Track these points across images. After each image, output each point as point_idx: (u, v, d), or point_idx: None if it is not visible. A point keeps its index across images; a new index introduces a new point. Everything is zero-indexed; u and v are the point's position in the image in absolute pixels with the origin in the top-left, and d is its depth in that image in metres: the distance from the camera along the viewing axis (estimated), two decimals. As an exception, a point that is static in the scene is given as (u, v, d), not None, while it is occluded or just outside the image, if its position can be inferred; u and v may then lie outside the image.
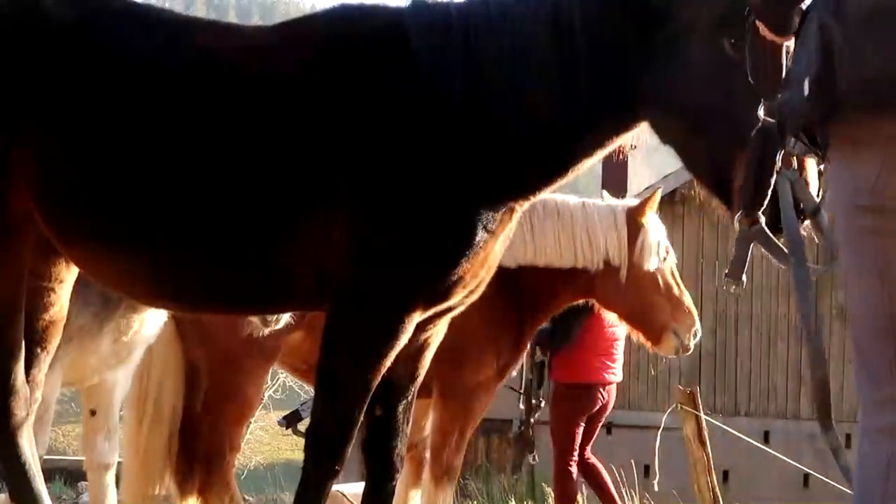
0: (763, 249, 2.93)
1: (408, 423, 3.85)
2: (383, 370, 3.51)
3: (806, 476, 12.65)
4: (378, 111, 3.42)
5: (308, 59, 3.49)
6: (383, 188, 3.39)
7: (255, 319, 4.46)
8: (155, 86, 3.47)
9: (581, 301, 6.09)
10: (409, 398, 3.80)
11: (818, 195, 2.84)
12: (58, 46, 3.50)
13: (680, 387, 6.82)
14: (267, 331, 4.54)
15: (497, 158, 3.41)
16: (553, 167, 3.50)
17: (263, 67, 3.50)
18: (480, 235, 3.41)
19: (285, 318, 4.38)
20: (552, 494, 8.68)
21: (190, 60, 3.52)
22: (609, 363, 6.88)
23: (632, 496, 8.32)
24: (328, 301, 3.50)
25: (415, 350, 3.67)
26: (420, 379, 3.83)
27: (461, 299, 3.64)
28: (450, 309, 3.68)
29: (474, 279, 3.56)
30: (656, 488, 5.82)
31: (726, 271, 3.11)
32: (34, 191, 3.49)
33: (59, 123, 3.47)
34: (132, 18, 3.60)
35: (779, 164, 2.73)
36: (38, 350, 3.74)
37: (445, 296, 3.53)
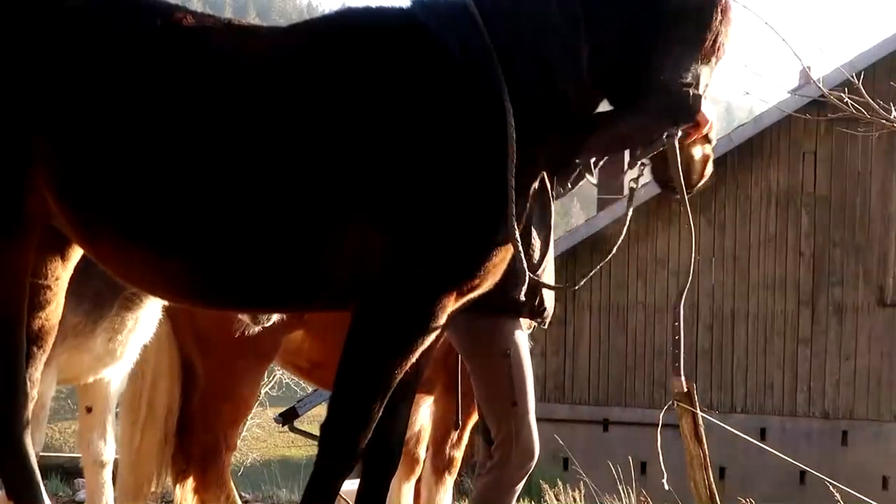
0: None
1: (407, 418, 3.85)
2: (409, 366, 3.52)
3: (802, 473, 12.67)
4: (417, 107, 3.42)
5: (338, 58, 3.47)
6: (426, 183, 3.38)
7: (245, 317, 4.44)
8: (189, 78, 3.42)
9: None
10: (411, 394, 3.79)
11: None
12: (77, 30, 3.44)
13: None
14: (257, 328, 4.53)
15: (527, 140, 3.43)
16: (567, 141, 3.59)
17: (295, 65, 3.47)
18: (516, 220, 3.43)
19: (276, 315, 4.37)
20: (549, 491, 8.70)
21: (223, 56, 3.46)
22: None
23: (628, 493, 8.32)
24: (359, 298, 3.48)
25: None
26: (422, 375, 3.84)
27: (487, 286, 3.67)
28: (473, 298, 3.71)
29: (503, 264, 3.57)
30: (666, 487, 5.82)
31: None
32: (56, 186, 3.43)
33: (84, 114, 3.39)
34: (151, 8, 3.55)
35: None
36: (35, 349, 3.73)
37: (479, 286, 3.56)
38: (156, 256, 3.47)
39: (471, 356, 4.25)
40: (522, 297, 3.59)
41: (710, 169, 3.79)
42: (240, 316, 4.59)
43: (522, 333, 4.19)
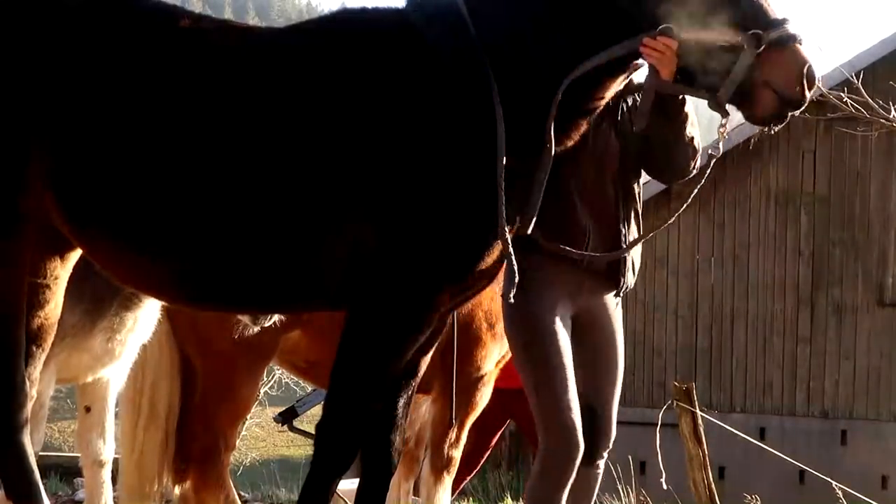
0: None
1: (406, 417, 3.85)
2: (402, 365, 3.52)
3: (801, 472, 12.66)
4: (408, 109, 3.42)
5: (332, 60, 3.48)
6: (417, 183, 3.39)
7: (245, 318, 4.45)
8: (185, 80, 3.43)
9: None
10: (410, 393, 3.80)
11: None
12: (76, 31, 3.45)
13: (676, 383, 6.81)
14: (257, 329, 4.53)
15: (515, 134, 3.42)
16: (564, 125, 3.53)
17: (290, 67, 3.48)
18: (506, 219, 3.43)
19: (275, 315, 4.37)
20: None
21: (219, 58, 3.48)
22: None
23: (627, 492, 8.32)
24: (353, 297, 3.49)
25: (419, 345, 3.67)
26: (421, 374, 3.84)
27: (481, 286, 3.68)
28: (467, 298, 3.71)
29: (498, 263, 3.57)
30: (664, 486, 5.81)
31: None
32: (53, 186, 3.44)
33: (80, 115, 3.40)
34: (148, 9, 3.57)
35: None
36: (34, 348, 3.74)
37: (473, 285, 3.59)
38: (149, 258, 3.48)
39: (508, 342, 4.21)
40: (512, 299, 3.56)
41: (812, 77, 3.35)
42: (240, 317, 4.60)
43: (556, 314, 4.06)
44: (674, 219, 4.28)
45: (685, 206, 4.05)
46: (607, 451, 4.24)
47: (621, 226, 4.07)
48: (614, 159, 4.05)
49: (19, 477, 3.66)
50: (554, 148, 3.48)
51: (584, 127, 3.62)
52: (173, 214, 3.41)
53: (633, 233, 4.11)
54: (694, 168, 4.06)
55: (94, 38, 3.45)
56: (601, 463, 4.25)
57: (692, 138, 3.95)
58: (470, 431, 6.17)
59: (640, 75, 3.65)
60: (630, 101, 4.05)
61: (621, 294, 4.18)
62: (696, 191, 3.88)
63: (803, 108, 3.38)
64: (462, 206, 3.40)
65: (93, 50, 3.44)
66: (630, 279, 4.15)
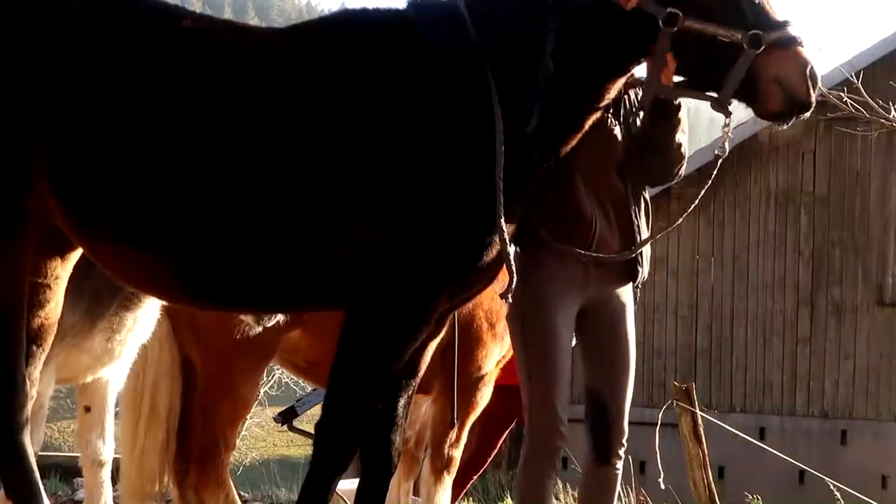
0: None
1: (406, 418, 3.86)
2: (401, 364, 3.52)
3: (801, 472, 12.66)
4: (407, 104, 3.43)
5: (333, 60, 3.49)
6: (416, 183, 3.39)
7: (248, 318, 4.45)
8: (187, 80, 3.44)
9: None
10: (410, 393, 3.81)
11: None
12: (78, 32, 3.46)
13: (675, 383, 6.82)
14: (259, 329, 4.53)
15: (514, 133, 3.42)
16: (565, 125, 3.54)
17: (291, 67, 3.49)
18: (507, 219, 3.43)
19: (279, 315, 4.37)
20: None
21: (221, 59, 3.48)
22: None
23: (627, 492, 8.32)
24: (351, 297, 3.50)
25: (418, 345, 3.68)
26: (420, 374, 3.84)
27: (480, 286, 3.69)
28: (467, 298, 3.71)
29: (497, 263, 3.57)
30: (662, 486, 5.82)
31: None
32: (56, 186, 3.45)
33: (83, 115, 3.41)
34: (149, 10, 3.57)
35: None
36: (34, 347, 3.74)
37: (472, 286, 3.59)
38: (150, 257, 3.49)
39: (508, 328, 4.18)
40: (510, 299, 3.55)
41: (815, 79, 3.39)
42: (243, 317, 4.60)
43: (558, 304, 4.01)
44: (682, 219, 4.27)
45: (693, 205, 4.07)
46: (623, 449, 4.15)
47: (633, 214, 4.07)
48: (618, 148, 4.05)
49: (19, 477, 3.66)
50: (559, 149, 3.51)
51: (586, 127, 3.63)
52: (174, 213, 3.42)
53: (644, 222, 4.11)
54: (678, 173, 4.08)
55: (94, 38, 3.46)
56: (618, 463, 4.17)
57: (680, 144, 3.96)
58: (477, 431, 6.18)
59: (640, 70, 3.65)
60: (633, 94, 4.05)
61: (638, 285, 4.16)
62: (703, 191, 3.91)
63: (811, 110, 3.41)
64: (461, 207, 3.41)
65: (94, 50, 3.45)
66: (646, 269, 4.13)
